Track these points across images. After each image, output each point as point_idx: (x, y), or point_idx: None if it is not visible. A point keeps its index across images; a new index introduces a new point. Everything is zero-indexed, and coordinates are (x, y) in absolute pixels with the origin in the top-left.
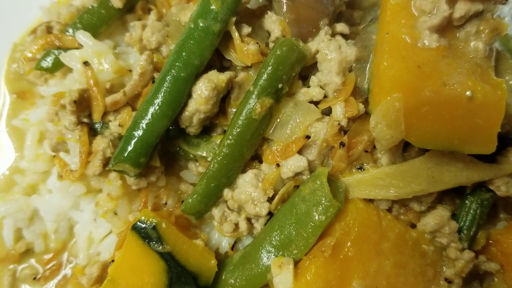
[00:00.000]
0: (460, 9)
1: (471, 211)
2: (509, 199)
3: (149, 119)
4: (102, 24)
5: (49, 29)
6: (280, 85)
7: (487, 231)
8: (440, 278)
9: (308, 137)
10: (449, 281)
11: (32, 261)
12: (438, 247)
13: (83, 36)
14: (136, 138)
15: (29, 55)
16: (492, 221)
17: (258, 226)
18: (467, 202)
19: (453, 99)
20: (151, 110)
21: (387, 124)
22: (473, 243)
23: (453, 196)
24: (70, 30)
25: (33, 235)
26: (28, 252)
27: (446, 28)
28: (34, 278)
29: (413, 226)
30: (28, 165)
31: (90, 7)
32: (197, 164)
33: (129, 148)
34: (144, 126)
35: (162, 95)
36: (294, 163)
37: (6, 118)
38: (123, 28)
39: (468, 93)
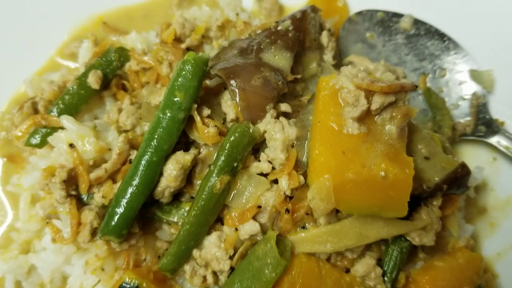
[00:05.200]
0: (376, 102)
1: (393, 257)
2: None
3: (128, 198)
4: (82, 103)
5: (34, 105)
6: (235, 164)
7: (408, 271)
8: None
9: (259, 206)
10: None
11: None
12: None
13: (67, 122)
14: (118, 215)
15: (19, 134)
16: (413, 261)
17: (222, 278)
18: (389, 250)
19: (370, 178)
20: (130, 190)
21: (321, 198)
22: (395, 283)
23: (379, 243)
24: (54, 110)
25: (32, 285)
26: None
27: (367, 115)
28: None
29: (348, 270)
30: (23, 225)
31: (70, 89)
32: (170, 226)
33: (113, 223)
34: (124, 204)
35: (138, 177)
36: (249, 228)
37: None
38: (101, 102)
39: (382, 173)
